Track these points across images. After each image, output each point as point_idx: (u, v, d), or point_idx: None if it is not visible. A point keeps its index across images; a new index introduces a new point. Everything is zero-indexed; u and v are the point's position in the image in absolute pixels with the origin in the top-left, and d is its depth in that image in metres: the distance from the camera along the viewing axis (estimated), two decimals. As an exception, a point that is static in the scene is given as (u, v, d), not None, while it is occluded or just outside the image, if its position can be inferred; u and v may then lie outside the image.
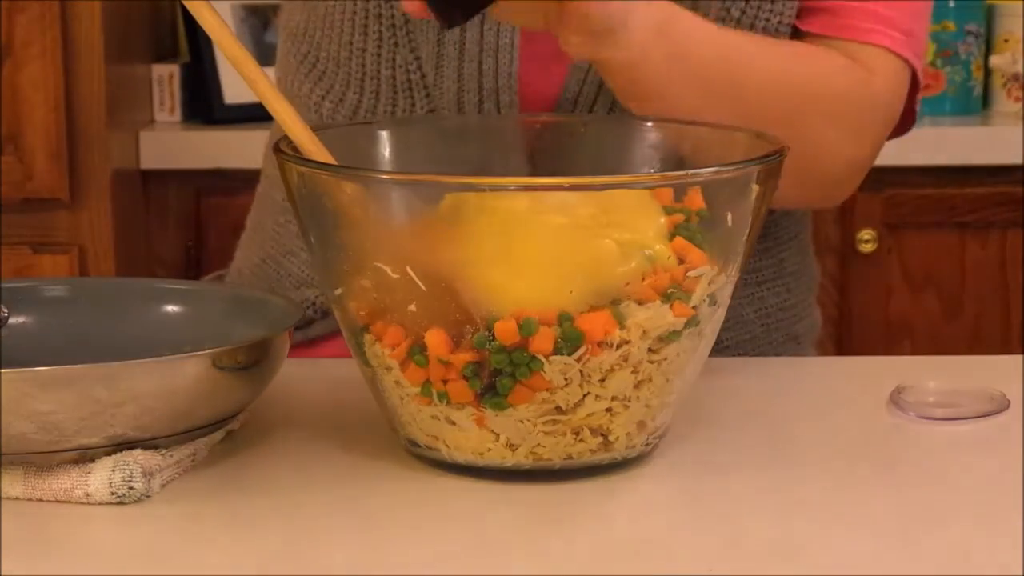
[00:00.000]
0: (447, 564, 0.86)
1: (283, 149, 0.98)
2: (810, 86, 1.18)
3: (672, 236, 0.93)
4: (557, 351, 0.91)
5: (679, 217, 0.93)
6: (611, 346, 0.92)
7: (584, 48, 1.06)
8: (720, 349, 1.27)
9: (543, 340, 0.91)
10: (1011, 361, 1.20)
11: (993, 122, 2.56)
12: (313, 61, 1.29)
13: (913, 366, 1.29)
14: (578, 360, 0.92)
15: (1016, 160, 2.42)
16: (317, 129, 1.01)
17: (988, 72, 2.61)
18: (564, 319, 0.91)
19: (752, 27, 1.21)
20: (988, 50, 2.61)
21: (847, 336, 2.48)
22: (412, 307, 0.93)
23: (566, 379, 0.92)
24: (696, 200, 0.94)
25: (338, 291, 0.97)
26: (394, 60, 1.24)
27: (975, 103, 2.60)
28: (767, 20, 1.21)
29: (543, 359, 0.91)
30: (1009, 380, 1.14)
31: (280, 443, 1.03)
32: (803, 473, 0.98)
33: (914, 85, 1.25)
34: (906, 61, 1.22)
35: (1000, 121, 2.56)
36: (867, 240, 2.46)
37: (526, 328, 0.91)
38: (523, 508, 0.93)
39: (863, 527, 0.91)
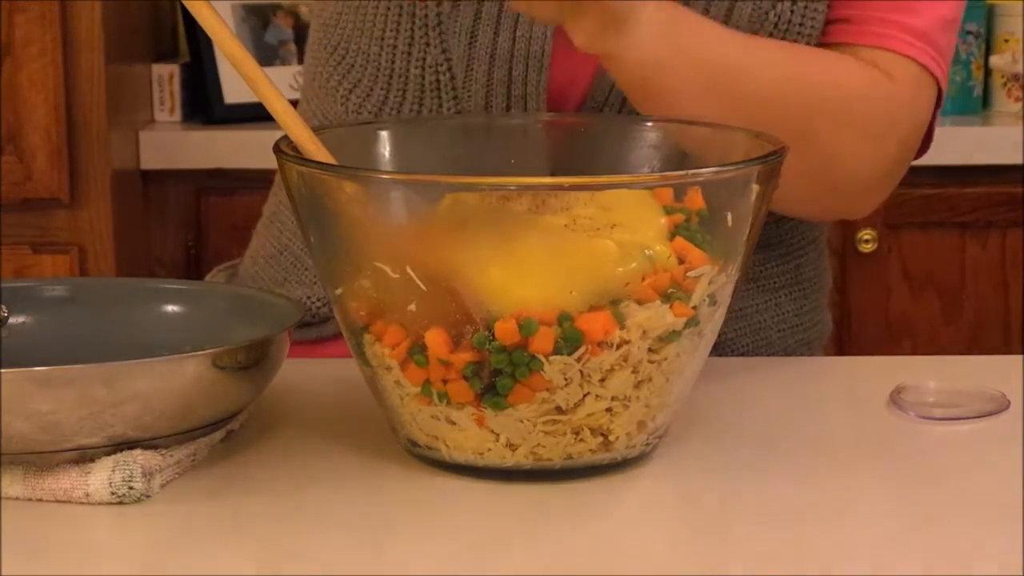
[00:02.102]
0: (447, 564, 0.86)
1: (283, 149, 0.98)
2: (820, 89, 1.16)
3: (672, 236, 0.93)
4: (557, 351, 0.91)
5: (679, 217, 0.93)
6: (611, 346, 0.92)
7: (593, 40, 1.06)
8: (736, 355, 1.27)
9: (543, 340, 0.91)
10: (1011, 361, 1.20)
11: (993, 122, 2.56)
12: (343, 53, 1.28)
13: (913, 366, 1.28)
14: (578, 360, 0.92)
15: (1016, 160, 2.42)
16: (317, 129, 1.01)
17: (988, 72, 2.61)
18: (564, 319, 0.91)
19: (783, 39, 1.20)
20: (988, 50, 2.61)
21: (847, 336, 2.48)
22: (412, 307, 0.93)
23: (566, 379, 0.92)
24: (696, 200, 0.94)
25: (338, 291, 0.97)
26: (424, 60, 1.23)
27: (975, 103, 2.60)
28: (796, 35, 1.20)
29: (543, 359, 0.91)
30: (1009, 380, 1.14)
31: (280, 443, 1.03)
32: (803, 473, 0.98)
33: (936, 102, 1.22)
34: (928, 71, 1.20)
35: (1000, 121, 2.56)
36: (867, 240, 2.46)
37: (526, 328, 0.91)
38: (523, 508, 0.93)
39: (863, 527, 0.91)
